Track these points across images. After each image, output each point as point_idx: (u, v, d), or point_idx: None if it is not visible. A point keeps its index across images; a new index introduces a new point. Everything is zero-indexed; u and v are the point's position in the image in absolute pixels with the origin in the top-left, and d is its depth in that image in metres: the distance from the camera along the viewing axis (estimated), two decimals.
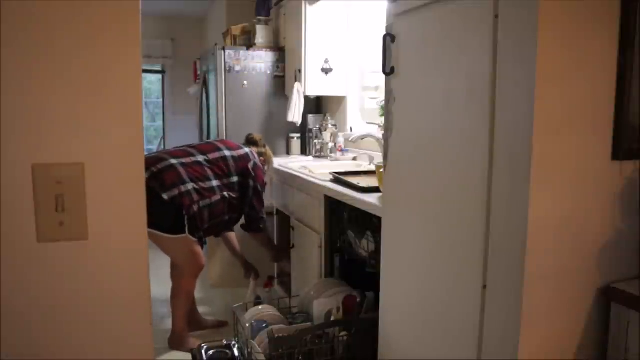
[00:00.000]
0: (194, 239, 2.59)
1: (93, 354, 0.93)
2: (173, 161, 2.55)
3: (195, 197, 2.54)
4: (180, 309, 2.72)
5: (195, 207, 2.54)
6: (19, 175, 0.85)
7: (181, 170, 2.54)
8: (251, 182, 2.74)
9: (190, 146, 2.78)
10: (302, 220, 2.70)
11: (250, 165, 2.76)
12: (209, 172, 2.64)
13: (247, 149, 2.84)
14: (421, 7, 1.38)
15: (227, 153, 2.72)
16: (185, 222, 2.52)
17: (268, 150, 3.11)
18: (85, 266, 0.91)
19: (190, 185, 2.54)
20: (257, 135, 3.12)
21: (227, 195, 2.67)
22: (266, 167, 3.02)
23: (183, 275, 2.71)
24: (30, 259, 0.87)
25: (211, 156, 2.68)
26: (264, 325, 2.05)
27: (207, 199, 2.59)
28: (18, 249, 0.86)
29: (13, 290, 0.87)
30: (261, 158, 2.97)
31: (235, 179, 2.71)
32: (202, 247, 2.82)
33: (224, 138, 3.58)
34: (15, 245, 0.86)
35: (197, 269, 2.72)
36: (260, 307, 2.25)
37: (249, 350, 1.99)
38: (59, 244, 0.88)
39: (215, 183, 2.63)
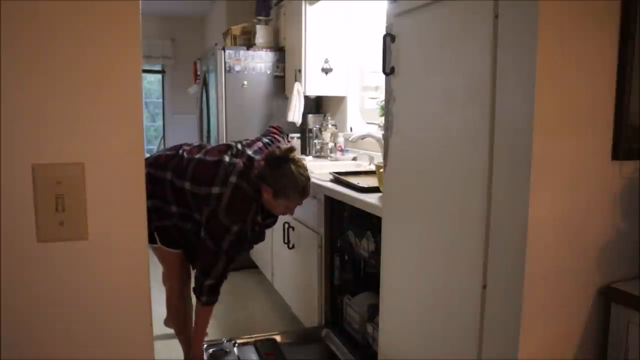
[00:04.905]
0: (171, 249, 2.28)
1: (93, 353, 0.93)
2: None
3: (152, 216, 2.09)
4: (179, 334, 2.44)
5: (151, 227, 2.15)
6: (19, 175, 0.85)
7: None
8: (202, 233, 2.07)
9: (173, 156, 2.21)
10: (302, 220, 2.70)
11: (205, 212, 2.07)
12: (169, 195, 2.14)
13: (218, 189, 2.05)
14: (421, 7, 1.38)
15: (187, 186, 2.11)
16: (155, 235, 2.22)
17: (290, 175, 2.03)
18: (85, 266, 0.91)
19: (149, 202, 2.11)
20: (278, 151, 2.09)
21: (191, 227, 2.19)
22: (280, 203, 2.08)
23: (167, 291, 2.43)
24: (30, 259, 0.87)
25: (177, 183, 2.13)
26: None
27: (167, 221, 2.18)
28: (18, 249, 0.86)
29: (13, 290, 0.87)
30: (265, 189, 2.05)
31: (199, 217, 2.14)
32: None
33: (228, 144, 2.31)
34: (15, 245, 0.86)
35: (177, 282, 2.38)
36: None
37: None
38: (59, 244, 0.88)
39: (174, 209, 2.15)
